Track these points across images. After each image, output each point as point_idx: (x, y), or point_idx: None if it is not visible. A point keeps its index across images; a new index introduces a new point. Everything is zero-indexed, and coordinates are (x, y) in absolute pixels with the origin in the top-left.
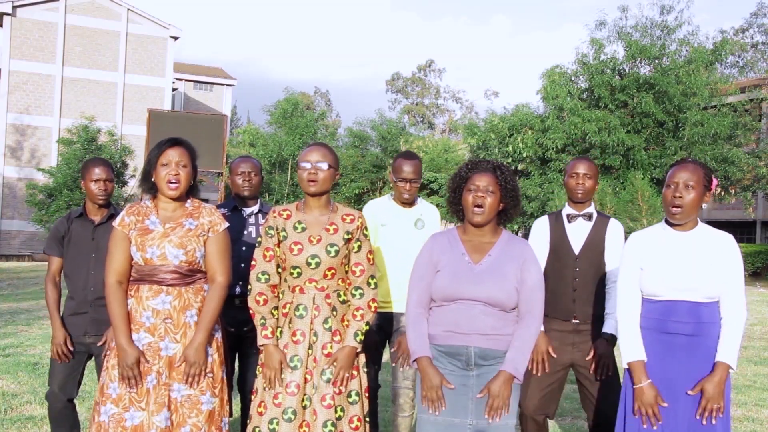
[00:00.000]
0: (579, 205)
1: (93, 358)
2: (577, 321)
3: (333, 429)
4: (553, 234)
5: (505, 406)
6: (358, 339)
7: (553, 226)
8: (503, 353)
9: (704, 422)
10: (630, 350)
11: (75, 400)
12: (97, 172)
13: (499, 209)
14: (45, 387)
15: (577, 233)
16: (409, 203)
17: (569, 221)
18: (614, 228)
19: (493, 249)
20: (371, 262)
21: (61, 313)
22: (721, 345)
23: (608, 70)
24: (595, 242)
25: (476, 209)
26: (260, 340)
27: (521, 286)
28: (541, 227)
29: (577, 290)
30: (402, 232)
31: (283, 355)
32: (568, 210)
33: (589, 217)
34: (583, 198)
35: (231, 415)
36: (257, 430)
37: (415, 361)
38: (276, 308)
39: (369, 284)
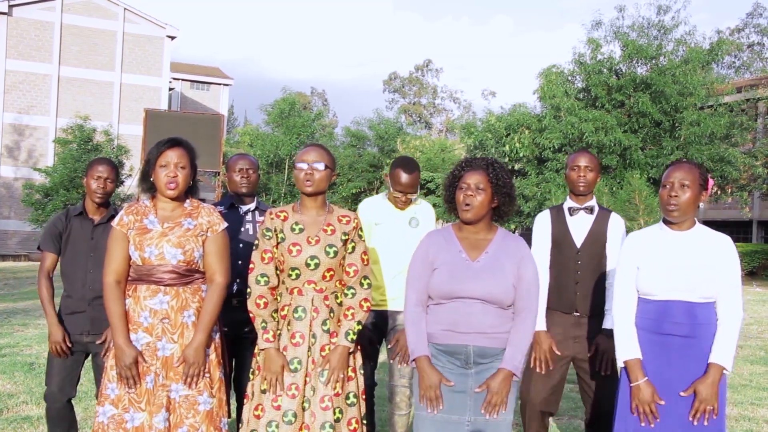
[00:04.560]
0: (581, 198)
1: (90, 357)
2: (579, 314)
3: (331, 431)
4: (555, 227)
5: (504, 403)
6: (349, 338)
7: (555, 220)
8: (501, 351)
9: (695, 423)
10: (626, 349)
11: (72, 400)
12: (100, 170)
13: (493, 206)
14: (41, 387)
15: (579, 226)
16: None
17: (571, 214)
18: (616, 221)
19: (490, 246)
20: (365, 263)
21: (57, 311)
22: (716, 346)
23: (605, 70)
24: (597, 235)
25: (465, 207)
26: (261, 344)
27: (518, 282)
28: (543, 221)
29: (579, 283)
30: (396, 231)
31: (285, 359)
32: (569, 203)
33: (590, 210)
34: (585, 190)
35: (230, 416)
36: None
37: (414, 360)
38: (276, 311)
39: (362, 284)
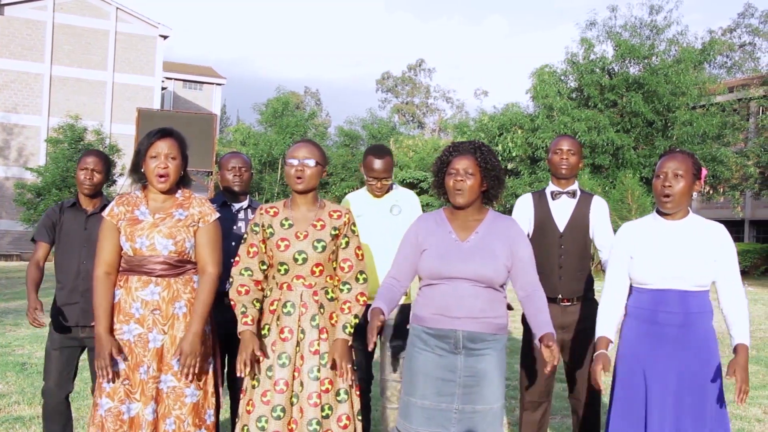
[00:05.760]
0: (563, 182)
1: (86, 351)
2: (564, 301)
3: (318, 428)
4: (537, 212)
5: (556, 359)
6: (347, 331)
7: (537, 204)
8: (491, 335)
9: (740, 404)
10: (600, 327)
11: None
12: (88, 161)
13: (482, 189)
14: (33, 387)
15: (562, 211)
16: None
17: (553, 198)
18: (598, 204)
19: (480, 226)
20: (360, 258)
21: (50, 305)
22: (736, 328)
23: (598, 70)
24: (580, 219)
25: (456, 192)
26: (240, 327)
27: (517, 261)
28: (524, 205)
29: (563, 268)
30: (378, 221)
31: (258, 342)
32: (551, 187)
33: (573, 194)
34: (567, 174)
35: (220, 406)
36: (246, 428)
37: (370, 311)
38: (258, 300)
39: (357, 279)
